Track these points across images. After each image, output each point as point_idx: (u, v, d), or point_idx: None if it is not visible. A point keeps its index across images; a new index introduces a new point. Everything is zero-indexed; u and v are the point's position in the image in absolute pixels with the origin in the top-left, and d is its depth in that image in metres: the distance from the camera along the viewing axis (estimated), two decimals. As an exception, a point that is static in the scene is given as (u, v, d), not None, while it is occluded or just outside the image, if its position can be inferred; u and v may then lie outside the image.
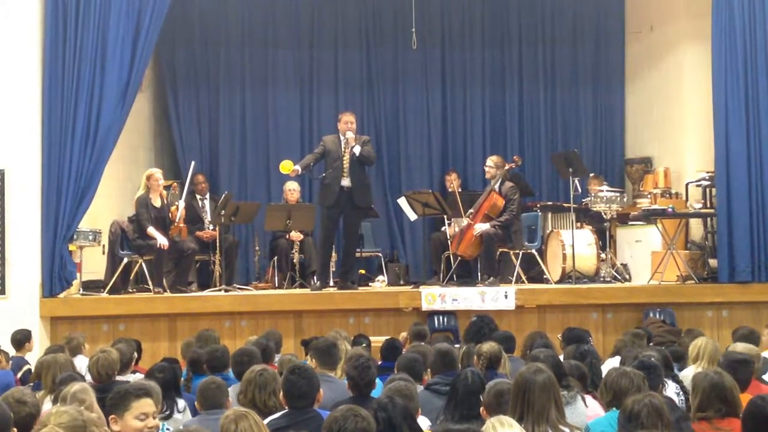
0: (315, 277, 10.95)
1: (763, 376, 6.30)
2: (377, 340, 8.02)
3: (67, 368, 6.18)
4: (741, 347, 6.38)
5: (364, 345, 7.73)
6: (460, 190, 11.75)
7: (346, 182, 10.40)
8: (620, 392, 4.80)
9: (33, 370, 6.97)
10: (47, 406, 5.41)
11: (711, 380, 4.78)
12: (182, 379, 6.56)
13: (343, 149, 10.42)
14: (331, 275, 11.16)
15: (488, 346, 6.29)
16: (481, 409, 4.67)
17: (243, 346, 7.29)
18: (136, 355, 7.45)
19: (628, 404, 4.28)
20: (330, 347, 6.25)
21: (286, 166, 10.28)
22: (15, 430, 4.18)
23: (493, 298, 9.86)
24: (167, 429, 4.91)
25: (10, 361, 7.81)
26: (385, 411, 4.07)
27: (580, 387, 5.54)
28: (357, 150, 10.35)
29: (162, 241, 10.27)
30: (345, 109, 11.52)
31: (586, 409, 5.29)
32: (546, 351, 6.15)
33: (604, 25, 13.59)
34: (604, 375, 5.82)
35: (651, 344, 7.84)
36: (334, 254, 11.23)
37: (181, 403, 5.73)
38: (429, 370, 6.12)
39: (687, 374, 6.22)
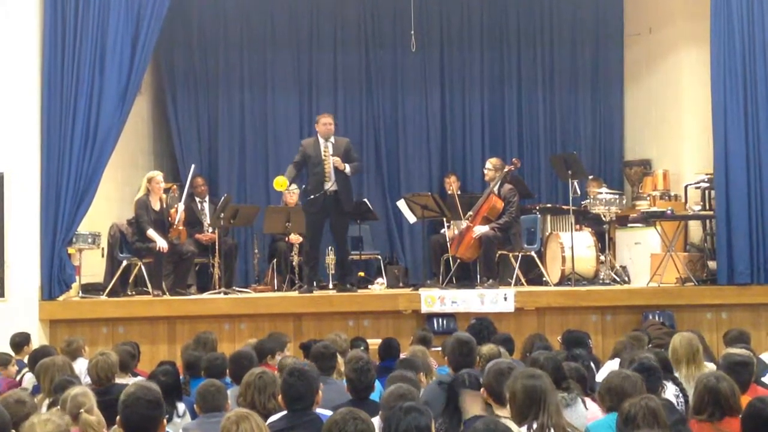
0: (305, 282, 10.80)
1: (762, 379, 6.30)
2: (376, 343, 8.01)
3: (65, 371, 6.18)
4: (735, 352, 6.38)
5: (362, 348, 7.73)
6: (459, 192, 11.76)
7: (329, 186, 10.30)
8: (622, 395, 4.78)
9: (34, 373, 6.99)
10: (45, 409, 5.41)
11: (707, 384, 4.80)
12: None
13: (323, 152, 10.35)
14: (330, 278, 11.15)
15: (488, 348, 6.32)
16: (482, 390, 4.70)
17: (242, 348, 7.31)
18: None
19: (625, 407, 4.29)
20: (329, 356, 6.25)
21: (281, 183, 10.19)
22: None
23: (492, 301, 9.85)
24: None
25: (15, 366, 7.82)
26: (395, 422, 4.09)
27: (580, 389, 5.53)
28: (348, 170, 10.32)
29: (161, 243, 10.26)
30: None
31: (587, 411, 5.29)
32: (546, 353, 6.16)
33: (603, 28, 13.61)
34: (603, 377, 5.83)
35: (650, 346, 7.85)
36: (332, 257, 11.19)
37: (181, 406, 5.73)
38: (446, 358, 6.08)
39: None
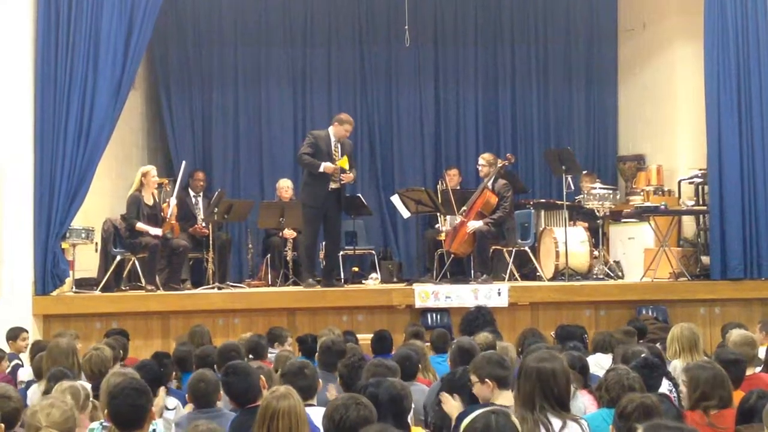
0: (309, 278, 10.76)
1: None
2: (368, 338, 8.01)
3: (67, 355, 6.17)
4: (735, 335, 6.43)
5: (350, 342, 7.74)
6: (459, 186, 11.81)
7: (334, 185, 10.41)
8: (622, 393, 4.77)
9: (32, 367, 7.00)
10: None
11: (712, 372, 4.85)
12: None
13: (333, 151, 10.40)
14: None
15: (482, 337, 6.39)
16: (471, 375, 4.75)
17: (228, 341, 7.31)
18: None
19: (622, 403, 4.31)
20: (336, 353, 6.24)
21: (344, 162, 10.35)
22: (2, 426, 4.17)
23: (486, 296, 9.86)
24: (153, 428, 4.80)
25: (7, 360, 7.82)
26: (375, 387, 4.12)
27: (581, 381, 5.55)
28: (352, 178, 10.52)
29: (154, 231, 10.26)
30: (341, 110, 11.59)
31: (583, 405, 5.31)
32: (545, 344, 6.25)
33: (597, 23, 13.61)
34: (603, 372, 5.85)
35: (643, 340, 7.88)
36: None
37: (172, 401, 5.71)
38: (450, 363, 6.14)
39: (671, 367, 6.28)
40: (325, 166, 10.25)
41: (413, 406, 4.76)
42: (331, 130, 10.59)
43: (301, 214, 10.69)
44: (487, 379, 4.67)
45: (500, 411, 3.63)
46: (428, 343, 7.76)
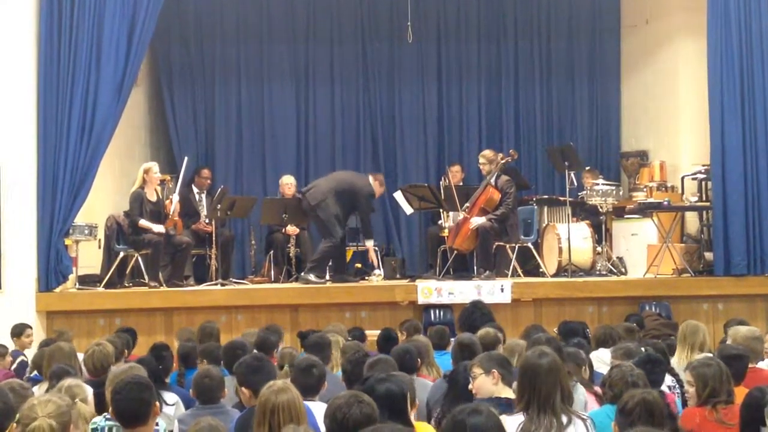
0: (313, 273, 10.79)
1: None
2: (374, 334, 8.02)
3: (70, 358, 6.17)
4: (744, 330, 6.44)
5: (353, 339, 7.74)
6: (461, 183, 11.79)
7: None
8: (626, 389, 4.78)
9: (32, 361, 7.01)
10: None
11: (718, 368, 4.91)
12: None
13: None
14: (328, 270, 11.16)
15: (484, 332, 6.39)
16: (475, 368, 4.77)
17: (235, 338, 7.32)
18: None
19: (624, 399, 4.32)
20: (324, 347, 6.24)
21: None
22: (14, 425, 4.18)
23: (489, 292, 9.86)
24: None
25: (10, 357, 7.83)
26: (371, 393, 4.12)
27: (579, 374, 5.55)
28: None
29: (157, 229, 10.25)
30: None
31: (584, 397, 5.31)
32: (547, 335, 6.23)
33: (600, 19, 13.60)
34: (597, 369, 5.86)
35: (642, 333, 7.90)
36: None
37: (171, 396, 5.70)
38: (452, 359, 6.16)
39: (674, 363, 6.31)
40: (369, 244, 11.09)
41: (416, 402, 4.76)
42: (372, 183, 11.00)
43: (328, 223, 10.84)
44: (494, 370, 4.70)
45: None
46: None
